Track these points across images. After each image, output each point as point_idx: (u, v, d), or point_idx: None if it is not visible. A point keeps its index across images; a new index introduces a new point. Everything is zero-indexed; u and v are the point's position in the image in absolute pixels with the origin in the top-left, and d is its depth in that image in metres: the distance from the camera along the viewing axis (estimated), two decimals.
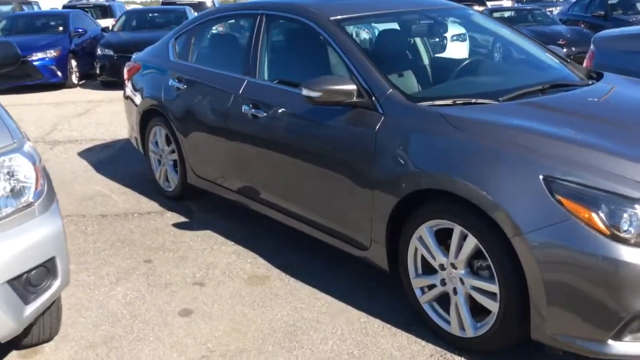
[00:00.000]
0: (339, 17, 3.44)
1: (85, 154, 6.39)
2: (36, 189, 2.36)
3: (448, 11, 3.88)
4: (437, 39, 3.79)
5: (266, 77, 3.75)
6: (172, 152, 4.66)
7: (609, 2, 14.13)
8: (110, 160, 6.13)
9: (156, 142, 4.86)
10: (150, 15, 13.64)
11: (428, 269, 2.83)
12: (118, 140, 6.98)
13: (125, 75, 5.19)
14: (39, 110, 9.17)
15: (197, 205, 4.70)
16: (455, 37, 3.83)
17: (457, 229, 2.60)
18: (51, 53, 11.22)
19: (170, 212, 4.61)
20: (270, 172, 3.66)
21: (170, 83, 4.44)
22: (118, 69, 11.17)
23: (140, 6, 28.75)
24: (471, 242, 2.55)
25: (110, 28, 12.97)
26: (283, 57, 3.79)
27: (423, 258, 2.83)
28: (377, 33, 3.71)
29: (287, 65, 3.76)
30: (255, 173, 3.78)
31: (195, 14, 14.96)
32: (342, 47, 3.23)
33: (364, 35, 3.48)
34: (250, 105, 3.67)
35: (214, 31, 4.52)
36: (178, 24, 13.12)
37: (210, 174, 4.28)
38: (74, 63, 11.78)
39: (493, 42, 3.74)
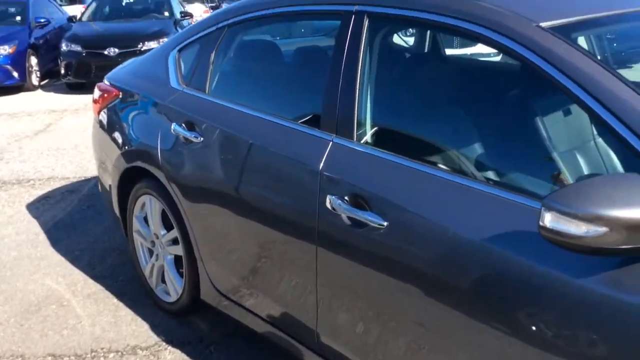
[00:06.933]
0: (557, 21, 1.59)
1: (38, 208, 4.41)
2: None
3: None
4: None
5: (371, 141, 1.87)
6: (174, 241, 2.76)
7: None
8: (72, 221, 4.14)
9: (145, 219, 2.96)
10: (126, 2, 11.57)
11: None
12: (85, 179, 5.02)
13: (95, 105, 3.25)
14: None
15: (213, 327, 2.82)
16: None
17: None
18: (6, 49, 9.13)
19: (169, 346, 2.70)
20: (386, 323, 1.80)
21: (173, 128, 2.53)
22: (87, 68, 9.20)
23: None
24: None
25: (78, 17, 10.85)
26: (426, 102, 1.91)
27: None
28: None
29: (441, 122, 1.89)
30: (347, 314, 1.93)
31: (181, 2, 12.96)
32: (605, 97, 1.38)
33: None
34: (346, 200, 1.79)
35: (255, 41, 2.58)
36: (160, 14, 11.23)
37: (245, 291, 2.40)
38: (34, 60, 9.69)
39: None
